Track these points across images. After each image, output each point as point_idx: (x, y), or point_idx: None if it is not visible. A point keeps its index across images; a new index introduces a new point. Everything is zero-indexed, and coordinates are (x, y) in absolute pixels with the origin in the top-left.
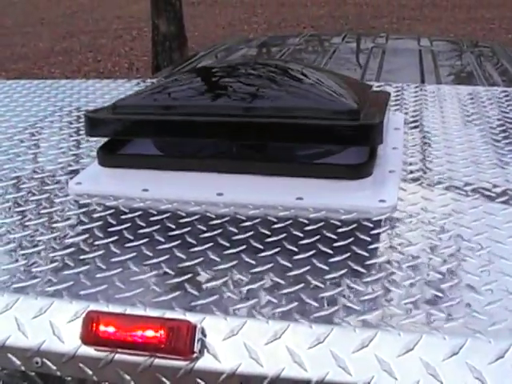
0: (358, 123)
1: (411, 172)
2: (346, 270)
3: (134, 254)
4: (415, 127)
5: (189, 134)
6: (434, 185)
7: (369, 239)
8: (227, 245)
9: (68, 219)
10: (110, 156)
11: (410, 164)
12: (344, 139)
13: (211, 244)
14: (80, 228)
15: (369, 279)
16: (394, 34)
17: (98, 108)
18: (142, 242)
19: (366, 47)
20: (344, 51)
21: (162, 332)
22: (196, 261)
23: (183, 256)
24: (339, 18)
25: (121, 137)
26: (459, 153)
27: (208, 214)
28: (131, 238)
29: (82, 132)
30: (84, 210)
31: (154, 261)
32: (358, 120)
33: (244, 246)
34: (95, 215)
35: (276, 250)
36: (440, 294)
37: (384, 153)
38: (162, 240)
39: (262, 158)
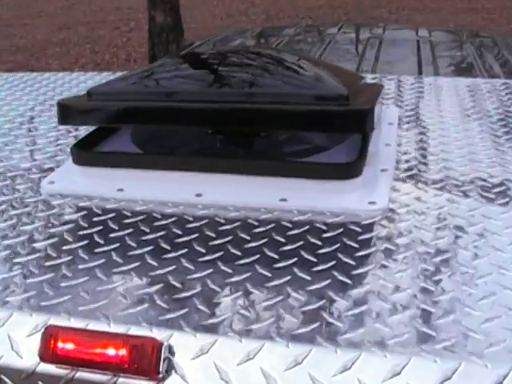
0: (347, 108)
1: (405, 170)
2: (329, 280)
3: (103, 260)
4: (410, 122)
5: (166, 121)
6: (430, 185)
7: (356, 246)
8: (203, 251)
9: (36, 221)
10: (84, 154)
11: (405, 162)
12: (332, 125)
13: (186, 250)
14: (48, 231)
15: (355, 291)
16: (391, 24)
17: (72, 96)
18: (111, 247)
19: (363, 37)
20: (340, 42)
21: (124, 350)
22: (168, 269)
23: (155, 263)
24: (338, 8)
25: (94, 125)
26: (457, 150)
27: (185, 217)
28: (101, 242)
29: (62, 127)
30: (54, 211)
31: (123, 268)
32: (348, 105)
33: (221, 253)
34: (65, 217)
35: (255, 257)
36: (432, 310)
37: (376, 150)
38: (134, 245)
39: (245, 156)
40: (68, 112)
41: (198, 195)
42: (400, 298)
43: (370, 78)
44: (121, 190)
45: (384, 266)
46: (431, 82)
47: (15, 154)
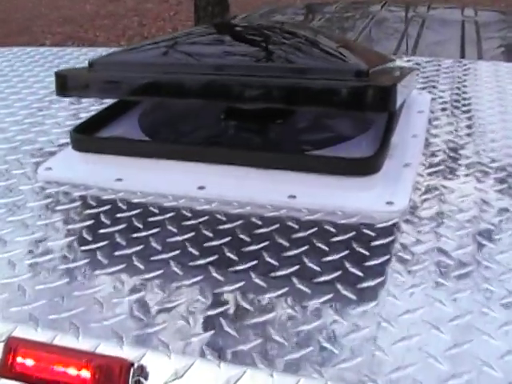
0: (365, 84)
1: (431, 166)
2: (331, 294)
3: (87, 260)
4: (445, 110)
5: (172, 94)
6: (459, 183)
7: (366, 253)
8: (196, 253)
9: (27, 211)
10: (83, 139)
11: (432, 155)
12: (348, 102)
13: (178, 252)
14: (37, 224)
15: (358, 310)
16: (436, 3)
17: (75, 67)
18: (99, 245)
19: (406, 16)
20: (381, 20)
21: (88, 371)
22: (154, 273)
23: (141, 266)
24: None
25: (94, 96)
26: (493, 143)
27: (184, 212)
28: (89, 239)
29: (70, 108)
30: (48, 200)
31: (107, 271)
32: (367, 81)
33: (215, 257)
34: (58, 208)
35: (252, 263)
36: (446, 338)
37: (401, 141)
38: (123, 244)
39: (253, 147)
40: (67, 82)
41: (201, 188)
42: (412, 322)
43: (405, 61)
44: (119, 179)
45: (395, 280)
46: (473, 66)
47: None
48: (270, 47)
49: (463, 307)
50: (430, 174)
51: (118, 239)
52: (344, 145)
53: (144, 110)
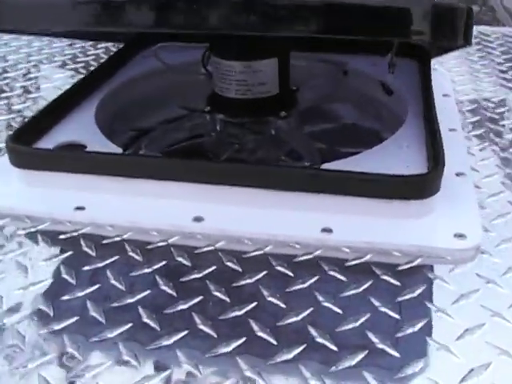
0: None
1: (488, 175)
2: None
3: None
4: (466, 94)
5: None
6: None
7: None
8: (207, 331)
9: None
10: (26, 151)
11: (482, 159)
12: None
13: (184, 334)
14: None
15: None
16: None
17: None
18: (62, 325)
19: None
20: None
21: None
22: None
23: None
24: None
25: (30, 30)
26: None
27: (178, 259)
28: (50, 314)
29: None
30: None
31: None
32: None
33: (241, 340)
34: None
35: (297, 350)
36: None
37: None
38: (100, 321)
39: (261, 160)
40: None
41: (198, 219)
42: None
43: None
44: (81, 208)
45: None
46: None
47: None
48: None
49: None
50: (488, 185)
51: (93, 313)
52: (366, 155)
53: (102, 100)
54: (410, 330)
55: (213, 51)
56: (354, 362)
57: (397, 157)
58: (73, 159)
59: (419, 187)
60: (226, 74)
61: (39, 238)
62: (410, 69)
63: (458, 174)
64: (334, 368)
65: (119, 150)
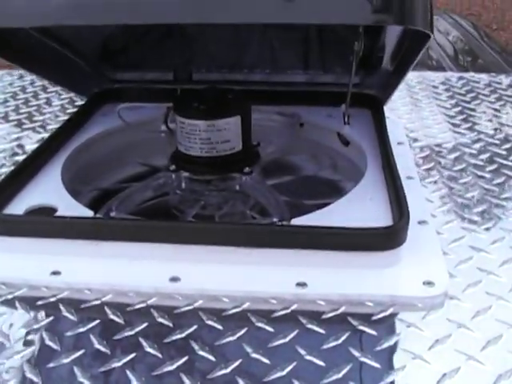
0: None
1: (448, 221)
2: None
3: None
4: (418, 140)
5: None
6: (488, 240)
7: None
8: None
9: None
10: None
11: (440, 204)
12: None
13: None
14: None
15: None
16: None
17: None
18: None
19: None
20: None
21: None
22: None
23: None
24: None
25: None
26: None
27: (159, 320)
28: None
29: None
30: None
31: None
32: None
33: None
34: None
35: None
36: None
37: None
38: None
39: (234, 219)
40: None
41: (174, 279)
42: None
43: None
44: (56, 272)
45: None
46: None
47: None
48: None
49: None
50: (449, 231)
51: (81, 379)
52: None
53: (66, 160)
54: (390, 379)
55: (176, 110)
56: None
57: (362, 210)
58: (45, 224)
59: (387, 239)
60: (191, 132)
61: (17, 304)
62: (365, 118)
63: (420, 222)
64: None
65: (90, 213)
